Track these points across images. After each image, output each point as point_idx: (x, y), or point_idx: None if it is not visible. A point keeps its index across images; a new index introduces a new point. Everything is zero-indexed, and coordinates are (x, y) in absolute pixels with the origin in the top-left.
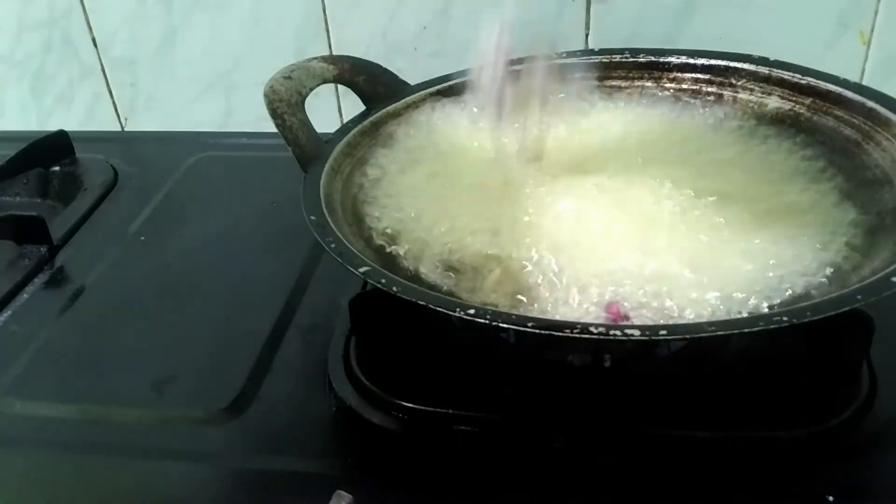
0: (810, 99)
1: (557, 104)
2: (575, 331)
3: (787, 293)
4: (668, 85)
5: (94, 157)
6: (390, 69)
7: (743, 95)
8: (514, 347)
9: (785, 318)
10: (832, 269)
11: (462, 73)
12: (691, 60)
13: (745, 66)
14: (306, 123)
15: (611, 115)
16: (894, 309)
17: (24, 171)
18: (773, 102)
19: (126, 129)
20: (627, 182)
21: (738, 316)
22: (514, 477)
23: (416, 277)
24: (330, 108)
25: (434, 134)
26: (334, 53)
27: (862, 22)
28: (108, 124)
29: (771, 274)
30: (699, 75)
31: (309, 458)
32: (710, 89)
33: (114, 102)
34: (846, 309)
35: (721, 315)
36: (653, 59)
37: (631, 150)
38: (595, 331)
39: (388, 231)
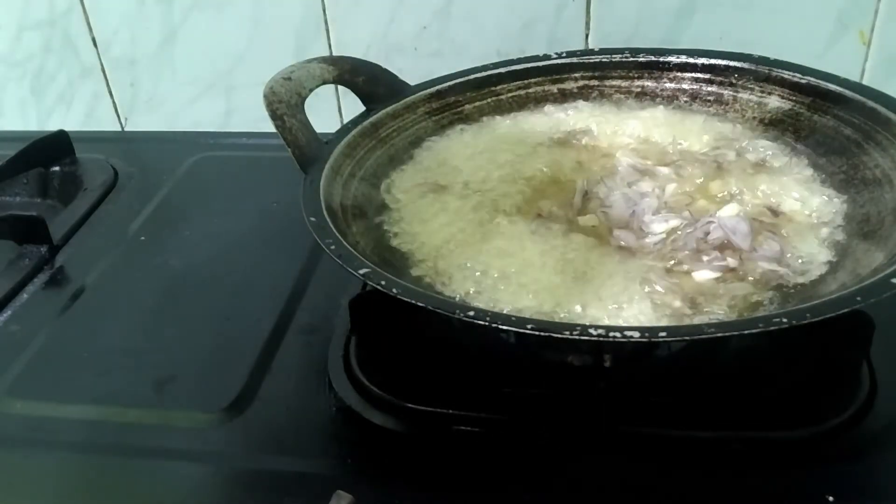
0: (811, 98)
1: None
2: (574, 332)
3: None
4: (668, 85)
5: (95, 157)
6: (390, 70)
7: (743, 95)
8: (515, 348)
9: (784, 320)
10: (832, 268)
11: (462, 73)
12: (691, 60)
13: (746, 65)
14: (306, 124)
15: None
16: (894, 309)
17: (24, 171)
18: (774, 102)
19: (126, 129)
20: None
21: None
22: (513, 477)
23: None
24: (330, 109)
25: None
26: (334, 54)
27: (862, 22)
28: (108, 124)
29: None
30: (699, 75)
31: (309, 458)
32: (710, 89)
33: (114, 102)
34: (846, 310)
35: None
36: (653, 58)
37: None
38: (594, 332)
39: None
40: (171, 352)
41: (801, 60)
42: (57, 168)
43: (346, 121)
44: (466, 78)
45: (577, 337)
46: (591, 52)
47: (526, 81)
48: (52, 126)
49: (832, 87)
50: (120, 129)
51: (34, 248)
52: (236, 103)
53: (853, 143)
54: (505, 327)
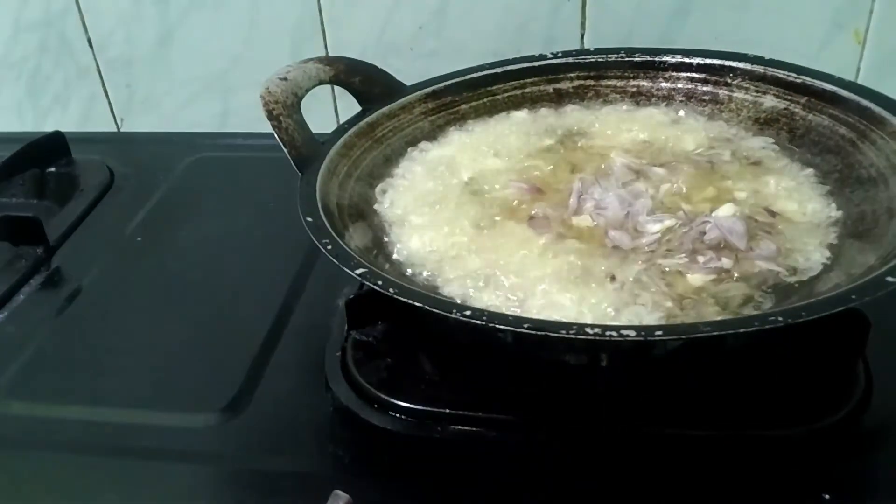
0: (805, 98)
1: None
2: (571, 331)
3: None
4: (663, 84)
5: (91, 158)
6: (386, 70)
7: (738, 94)
8: (512, 348)
9: (780, 319)
10: (827, 267)
11: (458, 73)
12: (687, 59)
13: (741, 65)
14: (302, 125)
15: None
16: (890, 307)
17: (20, 172)
18: (769, 101)
19: (122, 130)
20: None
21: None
22: (512, 476)
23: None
24: (326, 109)
25: None
26: (330, 54)
27: (857, 21)
28: (104, 125)
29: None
30: (695, 74)
31: (307, 458)
32: (705, 88)
33: (110, 103)
34: (841, 309)
35: None
36: (648, 58)
37: None
38: (591, 332)
39: None
40: (168, 352)
41: (796, 60)
42: (53, 169)
43: (342, 121)
44: (462, 78)
45: (573, 336)
46: (587, 52)
47: (522, 81)
48: (49, 127)
49: (827, 86)
50: (116, 130)
51: (30, 250)
52: (233, 104)
53: (848, 142)
54: (501, 326)
